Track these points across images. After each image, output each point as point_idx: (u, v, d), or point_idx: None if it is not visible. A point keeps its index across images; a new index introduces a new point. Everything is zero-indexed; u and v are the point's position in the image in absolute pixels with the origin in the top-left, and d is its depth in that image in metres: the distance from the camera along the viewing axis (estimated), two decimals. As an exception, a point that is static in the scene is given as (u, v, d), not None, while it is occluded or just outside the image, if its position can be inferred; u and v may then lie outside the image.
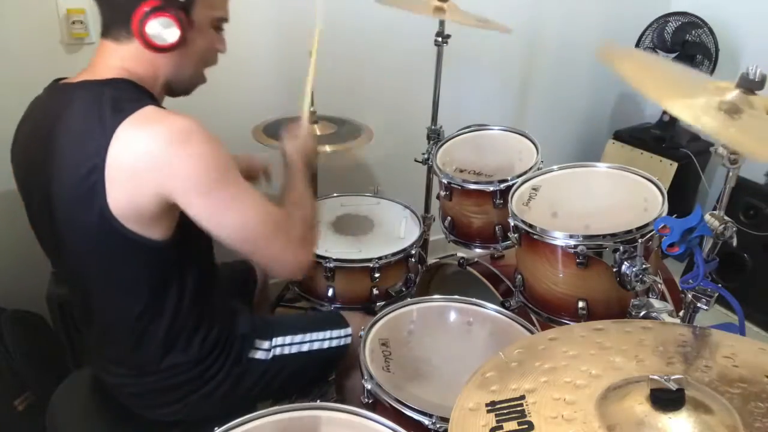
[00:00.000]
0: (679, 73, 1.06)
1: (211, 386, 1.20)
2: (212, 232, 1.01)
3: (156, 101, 1.05)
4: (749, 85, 0.87)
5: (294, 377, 1.32)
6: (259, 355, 1.27)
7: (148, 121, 0.96)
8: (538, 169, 1.59)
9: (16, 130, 1.13)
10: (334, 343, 1.36)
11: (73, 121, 0.99)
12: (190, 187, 0.96)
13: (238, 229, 1.02)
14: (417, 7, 1.76)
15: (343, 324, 1.39)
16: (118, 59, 1.04)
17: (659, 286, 1.38)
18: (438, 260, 1.90)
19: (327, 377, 1.45)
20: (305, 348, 1.33)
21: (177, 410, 1.20)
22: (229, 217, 1.00)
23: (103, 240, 1.01)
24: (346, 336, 1.38)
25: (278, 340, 1.30)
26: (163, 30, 1.01)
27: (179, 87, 1.13)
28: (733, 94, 0.87)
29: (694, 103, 0.87)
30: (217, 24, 1.12)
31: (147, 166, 0.94)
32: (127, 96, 1.00)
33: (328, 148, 1.83)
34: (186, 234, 1.05)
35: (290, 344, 1.31)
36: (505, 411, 0.74)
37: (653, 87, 0.91)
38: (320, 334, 1.35)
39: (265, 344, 1.29)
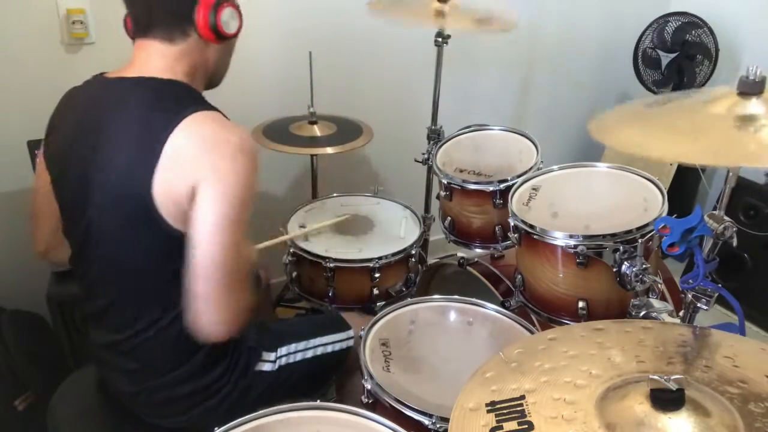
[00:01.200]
0: (676, 114, 0.97)
1: (216, 399, 1.19)
2: (194, 238, 1.00)
3: (213, 106, 1.09)
4: (749, 88, 0.87)
5: (299, 383, 1.32)
6: (266, 367, 1.26)
7: (212, 124, 1.02)
8: (538, 169, 1.59)
9: (53, 121, 1.14)
10: (338, 346, 1.37)
11: (132, 112, 1.03)
12: (215, 195, 0.98)
13: (214, 251, 1.00)
14: (415, 14, 1.74)
15: (345, 327, 1.40)
16: (167, 60, 1.07)
17: (659, 286, 1.38)
18: (438, 260, 1.89)
19: (330, 379, 1.44)
20: (309, 354, 1.32)
21: (182, 421, 1.19)
22: (217, 239, 0.99)
23: (137, 226, 1.03)
24: (348, 339, 1.38)
25: (283, 350, 1.29)
26: (231, 20, 1.08)
27: (217, 79, 1.19)
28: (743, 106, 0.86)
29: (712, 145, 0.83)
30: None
31: (196, 160, 0.98)
32: (189, 97, 1.05)
33: (329, 150, 1.83)
34: None
35: (294, 352, 1.31)
36: (505, 411, 0.74)
37: (664, 148, 0.86)
38: (323, 339, 1.35)
39: (271, 356, 1.28)
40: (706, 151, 0.82)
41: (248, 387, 1.23)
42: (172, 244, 1.02)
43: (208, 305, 1.03)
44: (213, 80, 1.18)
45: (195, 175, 0.98)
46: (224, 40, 1.09)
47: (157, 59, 1.07)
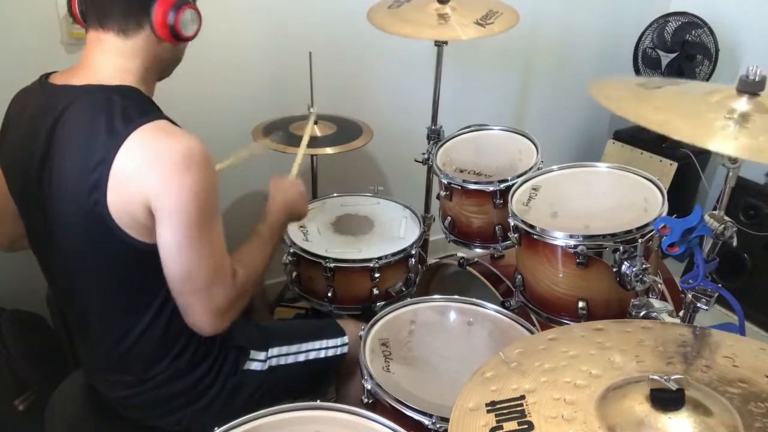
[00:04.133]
0: (677, 95, 1.02)
1: (206, 400, 1.18)
2: (161, 254, 1.00)
3: (161, 112, 1.05)
4: (749, 87, 0.87)
5: (291, 387, 1.31)
6: (255, 366, 1.26)
7: (159, 136, 0.97)
8: (538, 169, 1.59)
9: (4, 127, 1.11)
10: (330, 352, 1.35)
11: (78, 124, 0.99)
12: (169, 212, 0.97)
13: (184, 266, 1.00)
14: (417, 22, 1.70)
15: (339, 333, 1.38)
16: (119, 56, 1.02)
17: (659, 286, 1.38)
18: (438, 260, 1.90)
19: (324, 386, 1.43)
20: (301, 358, 1.32)
21: (174, 422, 1.18)
22: (184, 254, 1.00)
23: (97, 241, 1.00)
24: (342, 345, 1.37)
25: (274, 351, 1.29)
26: (190, 22, 1.04)
27: (170, 71, 1.14)
28: (739, 103, 0.87)
29: (707, 126, 0.86)
30: None
31: (144, 176, 0.95)
32: (137, 107, 1.00)
33: (329, 150, 1.84)
34: None
35: (286, 354, 1.30)
36: (505, 411, 0.74)
37: (659, 121, 0.89)
38: (316, 344, 1.34)
39: (261, 355, 1.27)
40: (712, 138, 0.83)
41: (238, 386, 1.22)
42: (138, 255, 1.01)
43: (191, 307, 1.04)
44: (163, 75, 1.13)
45: (145, 193, 0.95)
46: (179, 41, 1.05)
47: (111, 58, 1.02)
